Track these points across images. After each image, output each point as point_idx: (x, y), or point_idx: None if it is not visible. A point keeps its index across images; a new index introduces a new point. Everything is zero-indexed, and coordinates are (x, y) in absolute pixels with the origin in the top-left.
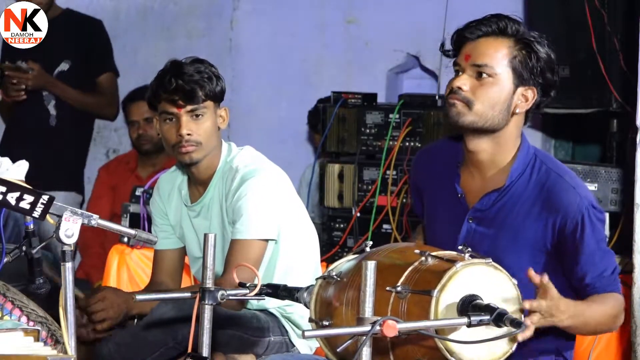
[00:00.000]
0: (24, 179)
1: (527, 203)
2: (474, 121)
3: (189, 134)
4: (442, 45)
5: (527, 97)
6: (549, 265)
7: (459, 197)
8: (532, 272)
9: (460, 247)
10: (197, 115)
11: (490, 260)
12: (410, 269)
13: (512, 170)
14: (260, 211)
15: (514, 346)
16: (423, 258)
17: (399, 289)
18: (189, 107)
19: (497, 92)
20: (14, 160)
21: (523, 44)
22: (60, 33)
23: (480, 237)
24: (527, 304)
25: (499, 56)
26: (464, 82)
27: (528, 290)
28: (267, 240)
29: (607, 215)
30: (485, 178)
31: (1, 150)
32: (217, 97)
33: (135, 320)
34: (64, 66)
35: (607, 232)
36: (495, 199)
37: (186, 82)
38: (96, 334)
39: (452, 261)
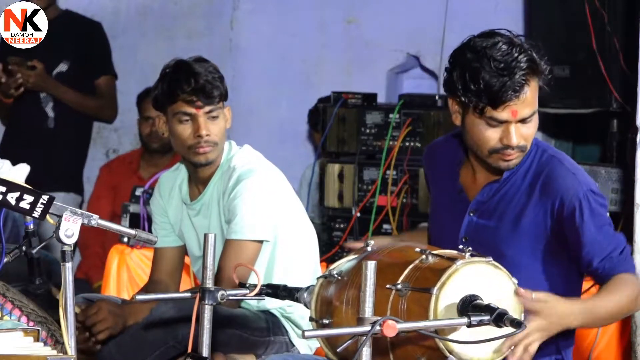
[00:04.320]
0: (24, 181)
1: (527, 191)
2: (520, 159)
3: (208, 135)
4: (475, 99)
5: None
6: (549, 252)
7: (459, 192)
8: (521, 291)
9: (460, 247)
10: (213, 117)
11: (491, 259)
12: (410, 267)
13: None
14: (255, 212)
15: (514, 345)
16: (423, 256)
17: (399, 286)
18: (207, 108)
19: (537, 123)
20: (13, 163)
21: (544, 76)
22: (59, 34)
23: (481, 229)
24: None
25: (536, 96)
26: (520, 135)
27: (529, 284)
28: (261, 241)
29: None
30: (486, 171)
31: (1, 153)
32: (226, 97)
33: None
34: (62, 67)
35: None
36: (496, 190)
37: (205, 83)
38: (98, 344)
39: (452, 259)
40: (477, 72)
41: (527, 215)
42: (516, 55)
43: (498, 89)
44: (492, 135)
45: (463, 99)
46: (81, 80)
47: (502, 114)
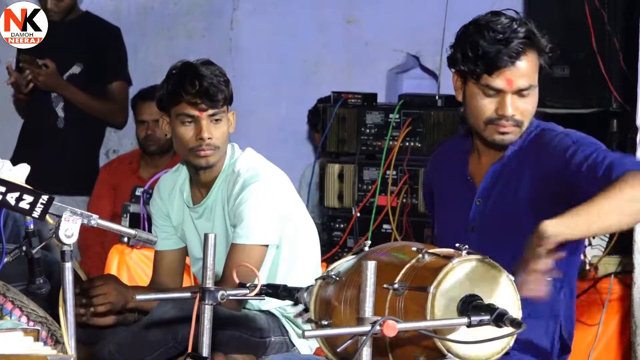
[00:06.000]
0: (24, 181)
1: (524, 164)
2: (517, 137)
3: (210, 138)
4: (472, 66)
5: None
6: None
7: (469, 180)
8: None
9: (457, 245)
10: (216, 120)
11: (487, 257)
12: (407, 266)
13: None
14: (261, 216)
15: (512, 341)
16: (420, 255)
17: (396, 286)
18: (210, 111)
19: (535, 102)
20: (24, 161)
21: (544, 54)
22: (75, 35)
23: (487, 216)
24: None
25: (535, 71)
26: (515, 107)
27: None
28: (267, 245)
29: None
30: (489, 150)
31: (14, 152)
32: (231, 101)
33: (137, 314)
34: (75, 69)
35: None
36: (499, 173)
37: (209, 86)
38: (93, 318)
39: (448, 257)
40: (476, 41)
41: (527, 188)
42: (515, 27)
43: (493, 55)
44: (488, 106)
45: (462, 67)
46: (94, 83)
47: (497, 81)
